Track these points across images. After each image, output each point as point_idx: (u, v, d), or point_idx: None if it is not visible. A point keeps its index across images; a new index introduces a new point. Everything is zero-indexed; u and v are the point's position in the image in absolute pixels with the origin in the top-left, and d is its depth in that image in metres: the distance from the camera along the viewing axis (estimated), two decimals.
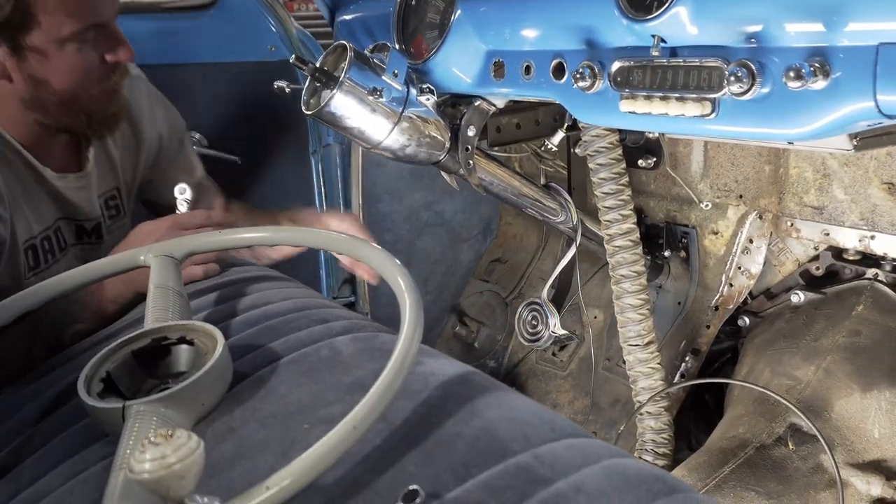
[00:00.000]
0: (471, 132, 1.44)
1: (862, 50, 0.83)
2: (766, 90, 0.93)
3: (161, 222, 1.33)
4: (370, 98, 1.30)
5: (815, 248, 1.64)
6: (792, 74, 0.86)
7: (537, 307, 1.72)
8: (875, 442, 1.39)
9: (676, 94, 1.01)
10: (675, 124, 1.04)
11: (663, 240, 1.83)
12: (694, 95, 0.99)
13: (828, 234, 1.51)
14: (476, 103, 1.44)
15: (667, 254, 1.84)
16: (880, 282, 1.54)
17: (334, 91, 1.28)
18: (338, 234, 1.13)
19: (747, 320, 1.78)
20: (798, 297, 1.65)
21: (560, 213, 1.66)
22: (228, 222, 1.44)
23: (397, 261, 1.03)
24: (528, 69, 1.25)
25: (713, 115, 0.99)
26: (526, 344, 1.77)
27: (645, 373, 1.59)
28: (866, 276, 1.57)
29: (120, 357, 0.98)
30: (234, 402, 0.94)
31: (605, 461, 0.74)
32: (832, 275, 1.66)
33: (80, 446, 0.92)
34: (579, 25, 1.13)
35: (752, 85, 0.91)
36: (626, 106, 1.08)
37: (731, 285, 1.73)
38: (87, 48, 1.31)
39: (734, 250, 1.70)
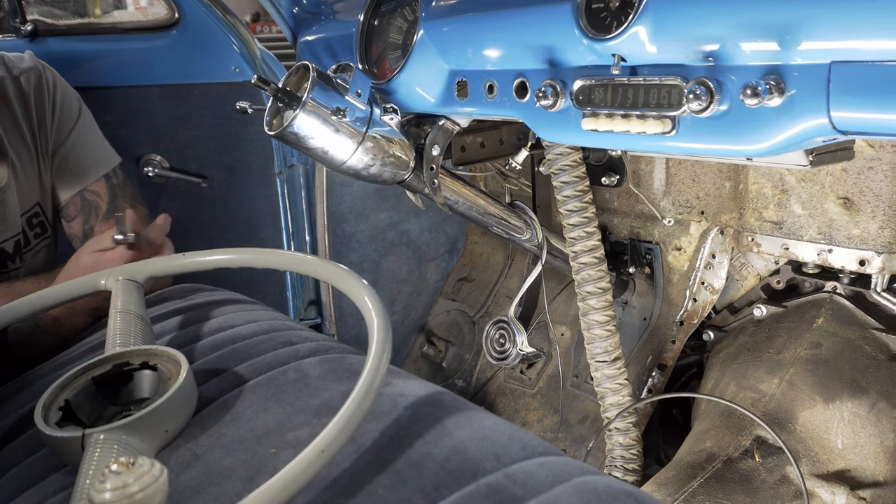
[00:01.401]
0: (435, 151, 1.44)
1: (815, 68, 0.85)
2: (724, 107, 0.94)
3: (111, 253, 1.31)
4: (333, 118, 1.30)
5: (776, 263, 1.68)
6: (749, 92, 0.87)
7: (504, 325, 1.73)
8: (839, 452, 1.41)
9: (638, 112, 1.03)
10: (637, 141, 1.06)
11: (628, 256, 1.85)
12: (654, 113, 1.01)
13: (787, 249, 1.54)
14: (440, 123, 1.44)
15: (631, 270, 1.86)
16: (839, 294, 1.57)
17: (297, 111, 1.27)
18: (305, 255, 1.12)
19: (712, 335, 1.81)
20: (760, 310, 1.68)
21: (525, 231, 1.67)
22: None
23: (364, 281, 1.02)
24: (490, 88, 1.26)
25: (673, 132, 1.00)
26: (493, 363, 1.77)
27: (613, 389, 1.60)
28: (825, 288, 1.60)
29: (80, 384, 0.95)
30: (199, 427, 0.92)
31: (576, 479, 0.74)
32: (793, 288, 1.69)
33: (37, 478, 0.90)
34: (541, 45, 1.15)
35: (711, 102, 0.93)
36: (588, 124, 1.09)
37: (694, 300, 1.75)
38: None
39: (697, 265, 1.73)
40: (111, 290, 1.18)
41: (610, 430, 1.61)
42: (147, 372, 0.99)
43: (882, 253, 1.41)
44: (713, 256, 1.70)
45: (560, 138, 1.19)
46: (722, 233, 1.68)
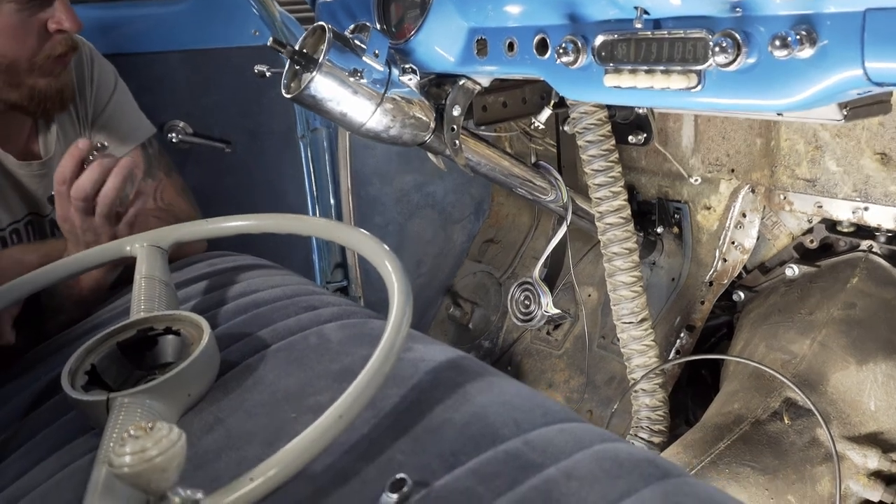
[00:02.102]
0: (456, 112, 1.42)
1: (848, 16, 0.81)
2: (752, 60, 0.91)
3: None
4: (351, 80, 1.28)
5: (809, 221, 1.63)
6: (778, 43, 0.84)
7: (529, 287, 1.71)
8: (871, 415, 1.39)
9: (662, 67, 1.00)
10: (662, 98, 1.02)
11: (655, 216, 1.82)
12: (679, 68, 0.97)
13: (821, 207, 1.50)
14: (461, 82, 1.41)
15: (659, 230, 1.82)
16: (875, 253, 1.53)
17: (314, 73, 1.26)
18: (327, 220, 1.11)
19: (742, 295, 1.77)
20: (792, 270, 1.64)
21: (550, 191, 1.64)
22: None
23: (385, 245, 1.01)
24: (511, 46, 1.23)
25: (699, 87, 0.97)
26: (519, 324, 1.76)
27: (639, 350, 1.59)
28: (861, 248, 1.56)
29: (105, 349, 0.97)
30: (221, 391, 0.93)
31: (596, 446, 0.73)
32: (826, 247, 1.65)
33: (65, 440, 0.92)
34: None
35: (738, 55, 0.90)
36: (610, 80, 1.06)
37: (724, 260, 1.72)
38: (27, 12, 1.28)
39: (727, 225, 1.69)
40: (136, 255, 1.19)
41: (636, 392, 1.60)
42: (171, 337, 1.00)
43: None
44: (743, 215, 1.66)
45: (582, 96, 1.16)
46: (753, 191, 1.63)
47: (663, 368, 1.60)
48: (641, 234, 1.83)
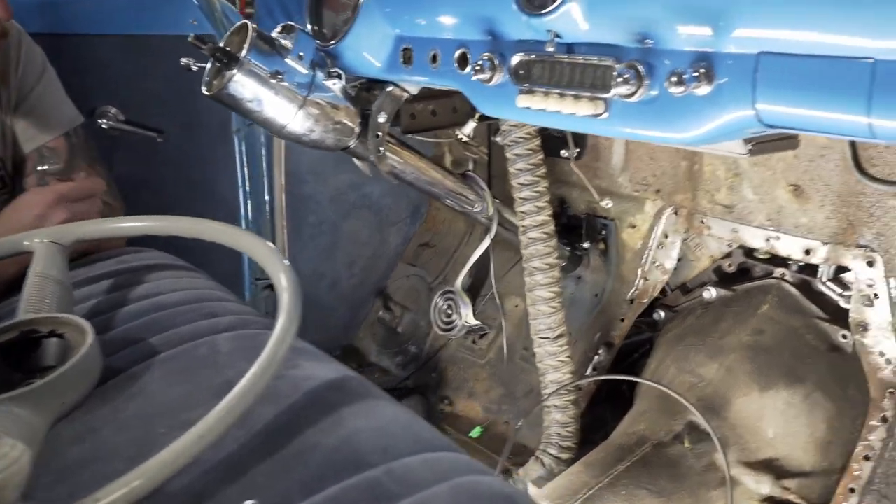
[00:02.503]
0: (381, 118, 1.40)
1: (744, 58, 0.81)
2: (654, 93, 0.90)
3: (44, 194, 1.26)
4: (272, 81, 1.25)
5: (729, 245, 1.65)
6: (674, 79, 0.83)
7: (452, 297, 1.70)
8: (769, 441, 1.41)
9: (572, 92, 0.99)
10: (570, 122, 1.02)
11: (583, 231, 1.82)
12: (588, 94, 0.97)
13: (737, 233, 1.51)
14: (388, 89, 1.39)
15: (586, 245, 1.83)
16: (787, 281, 1.55)
17: (234, 72, 1.23)
18: (225, 226, 1.07)
19: (662, 314, 1.78)
20: (710, 293, 1.66)
21: (477, 202, 1.63)
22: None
23: (282, 258, 0.98)
24: (434, 58, 1.21)
25: (605, 114, 0.96)
26: (440, 333, 1.74)
27: (554, 366, 1.59)
28: (774, 275, 1.58)
29: None
30: (100, 400, 0.89)
31: (457, 478, 0.72)
32: (745, 272, 1.67)
33: None
34: (482, 16, 1.10)
35: (640, 87, 0.89)
36: (522, 101, 1.05)
37: (646, 279, 1.72)
38: None
39: (650, 244, 1.70)
40: (34, 251, 1.14)
41: (548, 408, 1.60)
42: (54, 340, 0.95)
43: (828, 243, 1.38)
44: (665, 236, 1.67)
45: (497, 113, 1.15)
46: (676, 213, 1.64)
47: (577, 385, 1.60)
48: (568, 249, 1.83)
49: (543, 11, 0.96)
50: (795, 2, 0.75)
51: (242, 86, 1.24)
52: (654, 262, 1.70)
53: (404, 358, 2.17)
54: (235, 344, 0.99)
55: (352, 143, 1.41)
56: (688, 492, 1.35)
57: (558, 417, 1.58)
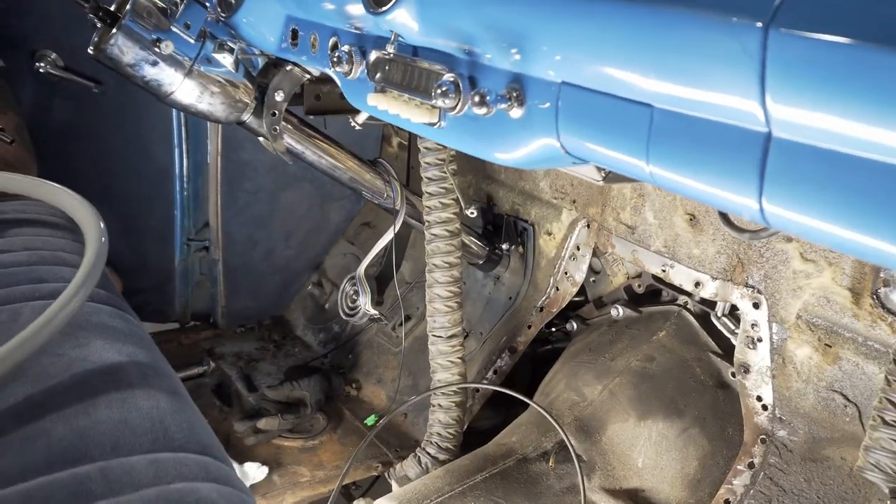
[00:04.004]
0: (278, 97, 1.37)
1: (549, 85, 0.77)
2: (480, 112, 0.86)
3: None
4: (154, 48, 1.22)
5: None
6: (477, 99, 0.79)
7: (356, 283, 1.68)
8: (637, 471, 1.37)
9: (418, 98, 0.95)
10: (415, 128, 0.98)
11: (503, 231, 1.78)
12: (428, 102, 0.93)
13: (636, 256, 1.46)
14: (287, 68, 1.36)
15: (505, 246, 1.79)
16: (688, 310, 1.50)
17: (114, 33, 1.20)
18: (22, 176, 1.04)
19: (574, 325, 1.75)
20: (617, 311, 1.62)
21: (385, 191, 1.60)
22: None
23: (100, 221, 0.95)
24: (314, 42, 1.17)
25: (441, 123, 0.92)
26: (344, 317, 1.73)
27: (443, 365, 1.56)
28: (678, 301, 1.53)
29: None
30: None
31: (175, 484, 0.70)
32: (655, 294, 1.62)
33: None
34: (348, 8, 1.05)
35: (459, 102, 0.85)
36: (372, 99, 1.01)
37: (557, 289, 1.68)
38: None
39: (563, 254, 1.66)
40: None
41: (433, 407, 1.58)
42: None
43: (717, 279, 1.32)
44: (577, 248, 1.62)
45: (358, 106, 1.11)
46: (588, 226, 1.59)
47: (465, 387, 1.57)
48: (487, 249, 1.79)
49: (381, 10, 0.92)
50: (587, 33, 0.71)
51: (122, 49, 1.22)
52: (566, 273, 1.66)
53: (327, 336, 2.15)
54: (36, 315, 0.97)
55: (246, 118, 1.37)
56: None
57: (441, 417, 1.56)
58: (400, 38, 0.94)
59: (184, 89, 1.28)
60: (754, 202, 0.61)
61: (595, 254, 1.63)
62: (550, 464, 1.38)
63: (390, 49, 0.93)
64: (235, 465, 1.61)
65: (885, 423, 0.94)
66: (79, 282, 0.86)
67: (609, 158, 0.73)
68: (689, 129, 0.64)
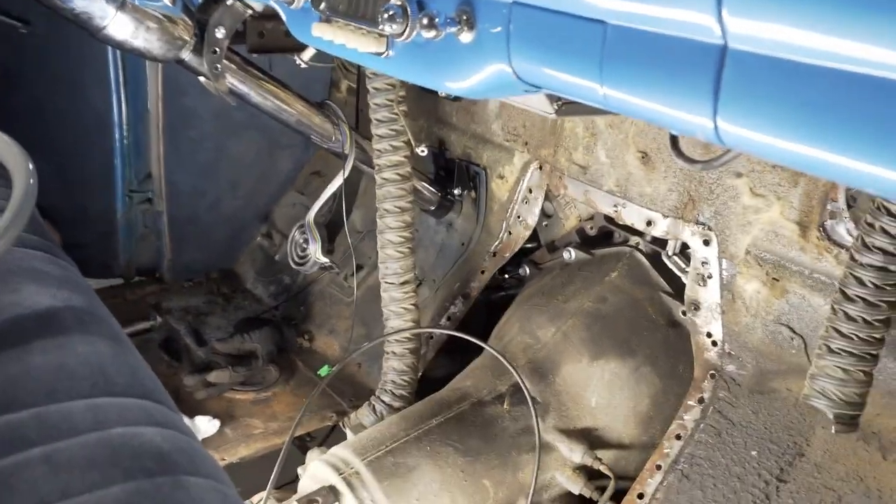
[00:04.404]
0: (219, 34, 1.31)
1: (499, 5, 0.74)
2: (429, 35, 0.83)
3: None
4: None
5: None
6: (425, 22, 0.76)
7: (305, 231, 1.64)
8: (590, 410, 1.39)
9: (365, 26, 0.91)
10: (361, 59, 0.94)
11: (455, 176, 1.76)
12: (376, 30, 0.89)
13: (588, 196, 1.46)
14: (228, 2, 1.30)
15: (457, 191, 1.77)
16: (639, 251, 1.51)
17: None
18: None
19: (528, 270, 1.75)
20: (569, 254, 1.61)
21: (334, 134, 1.56)
22: None
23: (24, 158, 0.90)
24: None
25: (387, 53, 0.88)
26: (294, 267, 1.69)
27: (396, 312, 1.54)
28: (630, 242, 1.54)
29: None
30: None
31: (115, 429, 0.67)
32: (608, 236, 1.62)
33: None
34: None
35: (406, 27, 0.81)
36: (316, 30, 0.96)
37: (509, 233, 1.68)
38: None
39: (515, 198, 1.64)
40: None
41: (387, 354, 1.56)
42: None
43: (668, 217, 1.33)
44: (530, 191, 1.61)
45: (301, 39, 1.06)
46: (540, 168, 1.58)
47: (418, 334, 1.56)
48: (440, 194, 1.77)
49: None
50: None
51: None
52: (518, 217, 1.65)
53: (277, 287, 2.12)
54: None
55: (185, 56, 1.32)
56: (496, 454, 1.33)
57: (395, 365, 1.55)
58: None
59: (117, 23, 1.22)
60: (709, 120, 0.59)
61: (547, 197, 1.62)
62: (505, 406, 1.38)
63: None
64: (186, 420, 1.59)
65: (830, 350, 0.95)
66: (5, 223, 0.81)
67: (562, 82, 0.71)
68: (643, 45, 0.62)
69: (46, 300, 0.85)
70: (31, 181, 0.89)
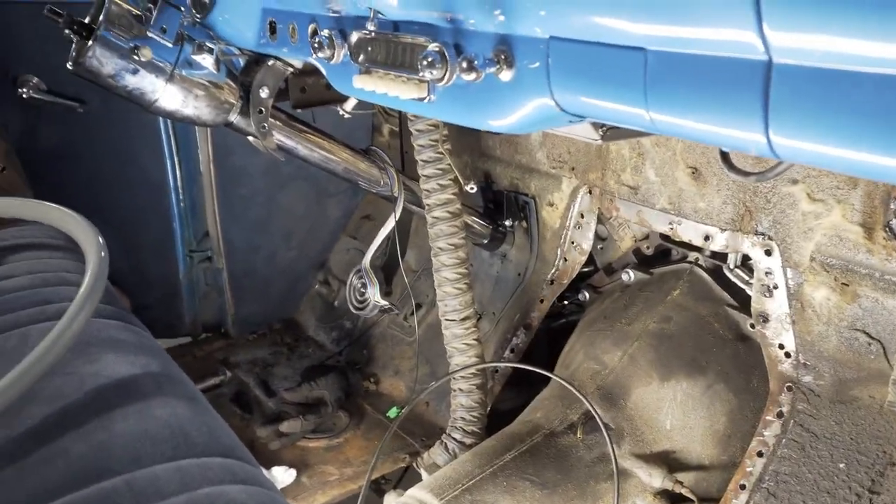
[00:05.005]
0: (264, 93, 1.35)
1: (537, 41, 0.75)
2: (470, 78, 0.84)
3: None
4: (133, 56, 1.21)
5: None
6: (465, 66, 0.78)
7: (363, 275, 1.66)
8: (666, 433, 1.36)
9: (399, 74, 0.93)
10: (404, 105, 0.96)
11: (504, 208, 1.77)
12: (412, 76, 0.91)
13: (642, 216, 1.45)
14: (269, 63, 1.34)
15: (508, 223, 1.77)
16: (700, 266, 1.49)
17: (90, 45, 1.19)
18: (18, 199, 1.04)
19: (587, 295, 1.74)
20: (628, 275, 1.60)
21: (382, 178, 1.58)
22: None
23: (93, 233, 0.95)
24: (293, 31, 1.16)
25: (431, 97, 0.90)
26: (354, 311, 1.72)
27: (459, 349, 1.55)
28: (689, 259, 1.52)
29: None
30: None
31: (203, 489, 0.69)
32: (666, 254, 1.61)
33: None
34: None
35: (446, 71, 0.83)
36: (358, 82, 0.99)
37: (565, 259, 1.67)
38: None
39: (567, 224, 1.64)
40: None
41: (454, 392, 1.57)
42: None
43: (725, 230, 1.31)
44: (582, 216, 1.61)
45: (344, 91, 1.09)
46: (590, 192, 1.58)
47: (483, 368, 1.56)
48: (491, 227, 1.78)
49: None
50: None
51: (100, 60, 1.21)
52: (573, 243, 1.65)
53: (339, 333, 2.15)
54: (45, 336, 0.96)
55: (233, 118, 1.36)
56: (574, 484, 1.31)
57: (463, 401, 1.55)
58: (379, 15, 0.92)
59: (167, 95, 1.27)
60: (761, 135, 0.59)
61: (600, 220, 1.62)
62: (578, 435, 1.37)
63: (370, 27, 0.92)
64: (263, 471, 1.61)
65: None
66: (82, 298, 0.85)
67: (606, 110, 0.72)
68: (686, 67, 0.62)
69: (125, 368, 0.88)
70: (103, 254, 0.94)
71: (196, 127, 2.00)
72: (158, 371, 0.91)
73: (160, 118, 1.97)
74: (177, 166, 2.02)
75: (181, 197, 2.05)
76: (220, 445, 0.79)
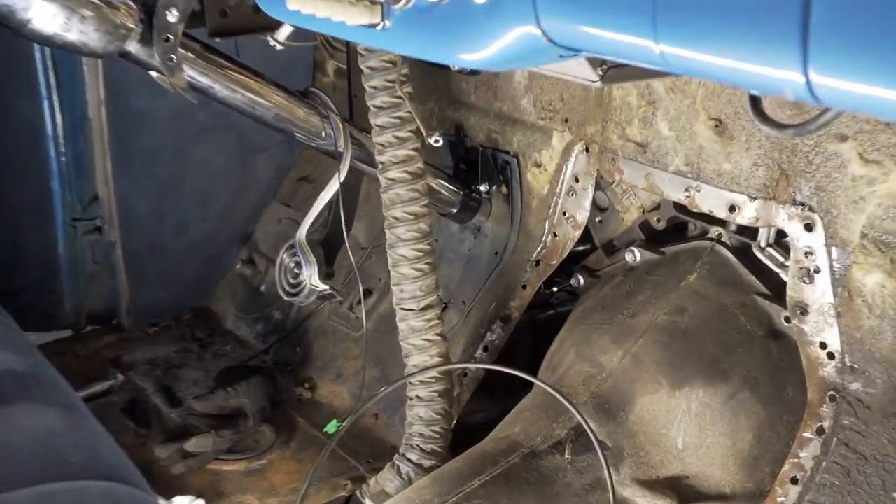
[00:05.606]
0: (171, 17, 1.34)
1: None
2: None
3: None
4: None
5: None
6: None
7: (297, 252, 1.66)
8: (676, 454, 1.39)
9: None
10: (349, 33, 0.96)
11: (479, 169, 1.77)
12: None
13: (652, 180, 1.46)
14: None
15: (483, 188, 1.78)
16: (723, 244, 1.51)
17: None
18: None
19: (581, 280, 1.75)
20: (633, 255, 1.62)
21: (323, 129, 1.58)
22: None
23: None
24: None
25: (385, 23, 0.90)
26: (285, 298, 1.71)
27: (419, 346, 1.56)
28: (710, 234, 1.53)
29: None
30: None
31: None
32: (680, 228, 1.62)
33: None
34: None
35: None
36: (294, 3, 0.98)
37: (554, 235, 1.68)
38: None
39: (558, 190, 1.65)
40: None
41: (411, 400, 1.57)
42: None
43: (756, 198, 1.32)
44: (576, 180, 1.62)
45: (272, 13, 1.09)
46: (587, 150, 1.59)
47: (448, 371, 1.57)
48: (462, 192, 1.79)
49: None
50: None
51: None
52: (564, 214, 1.66)
53: (266, 326, 2.15)
54: None
55: (131, 47, 1.35)
56: None
57: (421, 413, 1.56)
58: None
59: (44, 13, 1.25)
60: (798, 73, 0.59)
61: (599, 185, 1.63)
62: (566, 456, 1.39)
63: None
64: (160, 501, 1.61)
65: None
66: None
67: (606, 41, 0.73)
68: None
69: None
70: None
71: (83, 58, 1.97)
72: (23, 370, 0.90)
73: (34, 45, 1.93)
74: (56, 109, 1.99)
75: (62, 149, 2.02)
76: (103, 466, 0.79)
